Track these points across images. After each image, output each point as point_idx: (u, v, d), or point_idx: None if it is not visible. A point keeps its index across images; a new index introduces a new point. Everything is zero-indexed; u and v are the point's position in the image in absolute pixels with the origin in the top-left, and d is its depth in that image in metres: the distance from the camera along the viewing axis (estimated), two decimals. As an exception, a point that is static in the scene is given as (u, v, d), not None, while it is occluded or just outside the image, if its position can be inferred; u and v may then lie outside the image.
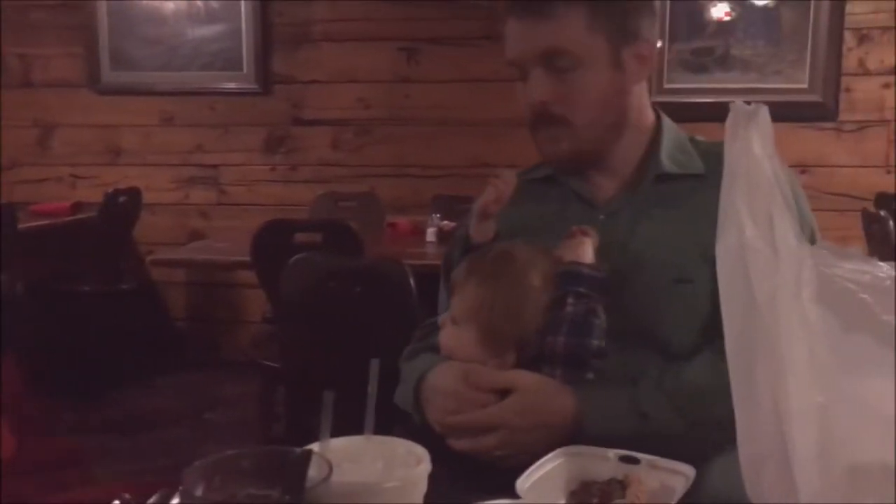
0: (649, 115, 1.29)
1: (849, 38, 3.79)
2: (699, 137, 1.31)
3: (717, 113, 3.71)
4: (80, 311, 4.00)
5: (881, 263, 0.81)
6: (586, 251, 1.16)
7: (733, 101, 0.83)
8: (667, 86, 3.89)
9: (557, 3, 1.17)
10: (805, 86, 3.80)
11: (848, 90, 3.81)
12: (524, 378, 1.12)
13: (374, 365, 0.77)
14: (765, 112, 0.82)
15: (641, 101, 1.27)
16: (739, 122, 0.83)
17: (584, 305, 1.11)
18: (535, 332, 1.12)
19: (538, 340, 1.12)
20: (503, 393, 1.12)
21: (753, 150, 0.81)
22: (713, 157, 1.22)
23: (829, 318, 0.79)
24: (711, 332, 1.16)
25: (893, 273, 0.80)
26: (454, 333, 1.15)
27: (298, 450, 0.66)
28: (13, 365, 1.02)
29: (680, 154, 1.26)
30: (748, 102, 0.84)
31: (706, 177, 1.22)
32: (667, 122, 1.30)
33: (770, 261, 0.80)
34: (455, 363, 1.16)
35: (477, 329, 1.12)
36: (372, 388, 0.77)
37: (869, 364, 0.79)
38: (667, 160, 1.24)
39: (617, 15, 1.19)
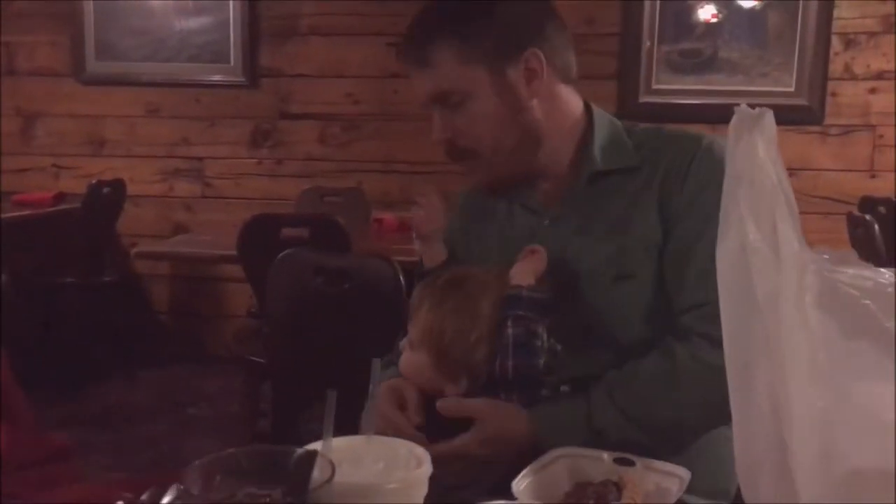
0: (573, 114, 1.27)
1: (836, 43, 3.82)
2: (638, 126, 1.29)
3: (705, 114, 3.78)
4: (61, 304, 3.96)
5: (883, 270, 0.81)
6: (528, 272, 1.17)
7: (738, 105, 0.83)
8: (655, 86, 3.90)
9: (427, 49, 1.19)
10: (792, 89, 3.83)
11: (834, 94, 3.84)
12: (484, 407, 1.12)
13: (376, 365, 0.77)
14: (769, 116, 0.82)
15: (556, 105, 1.25)
16: (744, 126, 0.82)
17: (524, 327, 1.12)
18: (486, 357, 1.13)
19: (490, 365, 1.13)
20: (464, 421, 1.12)
21: (758, 153, 0.81)
22: (648, 144, 1.24)
23: (831, 324, 0.78)
24: (658, 322, 1.19)
25: (895, 280, 0.80)
26: (410, 358, 1.16)
27: (303, 450, 0.66)
28: (2, 359, 1.00)
29: (613, 147, 1.25)
30: (752, 106, 0.84)
31: (641, 168, 1.22)
32: (598, 116, 1.29)
33: (772, 265, 0.79)
34: (391, 386, 1.17)
35: (429, 354, 1.13)
36: (374, 388, 0.76)
37: (870, 370, 0.78)
38: (599, 157, 1.24)
39: (489, 41, 1.19)
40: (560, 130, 1.26)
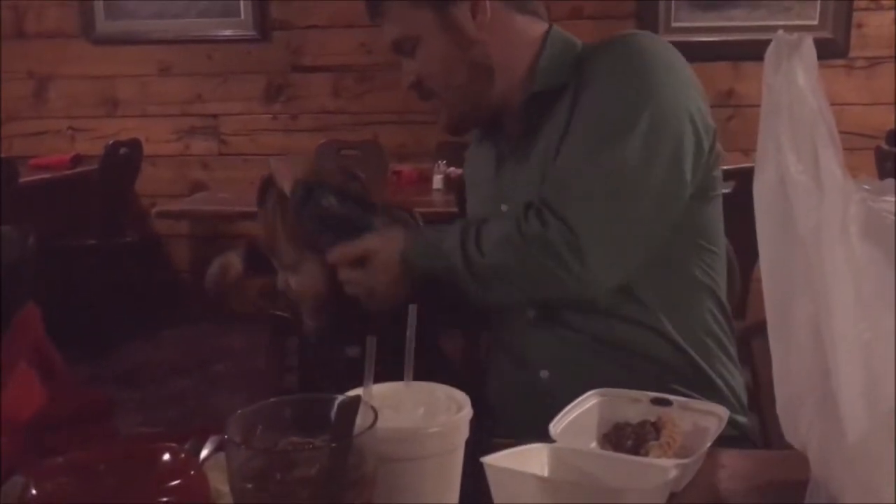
0: (531, 44, 1.27)
1: (860, -28, 3.72)
2: (595, 42, 1.27)
3: (726, 51, 3.69)
4: (83, 266, 3.98)
5: (928, 198, 0.78)
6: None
7: (778, 31, 0.80)
8: (674, 24, 3.82)
9: (379, 3, 1.24)
10: (815, 22, 3.74)
11: (859, 26, 3.75)
12: (371, 239, 1.25)
13: (412, 311, 0.76)
14: (809, 43, 0.79)
15: (509, 37, 1.26)
16: (782, 54, 0.79)
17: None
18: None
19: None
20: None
21: (797, 81, 0.78)
22: (592, 58, 1.22)
23: (877, 255, 0.76)
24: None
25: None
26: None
27: (345, 397, 0.65)
28: (36, 318, 1.01)
29: (553, 69, 1.25)
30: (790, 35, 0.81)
31: (578, 84, 1.21)
32: (552, 38, 1.27)
33: (814, 196, 0.77)
34: None
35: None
36: (410, 333, 0.75)
37: (916, 300, 0.77)
38: (541, 78, 1.24)
39: None
40: (513, 59, 1.27)
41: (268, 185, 1.45)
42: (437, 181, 3.28)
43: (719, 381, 1.25)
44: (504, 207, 1.27)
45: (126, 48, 4.24)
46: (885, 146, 3.04)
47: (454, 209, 2.55)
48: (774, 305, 0.84)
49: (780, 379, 0.84)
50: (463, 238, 1.19)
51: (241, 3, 4.11)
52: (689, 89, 1.18)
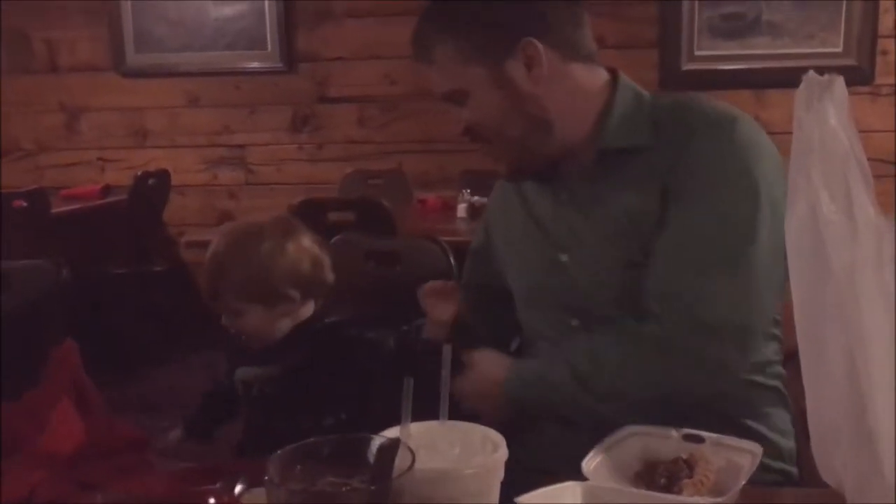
0: (591, 91, 1.23)
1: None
2: (665, 99, 1.24)
3: (749, 80, 3.70)
4: (112, 294, 4.02)
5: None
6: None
7: (808, 71, 0.80)
8: (697, 53, 3.83)
9: (427, 49, 1.20)
10: (839, 49, 3.73)
11: (884, 53, 3.74)
12: (476, 354, 1.23)
13: (447, 351, 0.76)
14: (840, 82, 0.79)
15: (567, 86, 1.21)
16: (813, 93, 0.80)
17: None
18: None
19: None
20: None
21: (829, 121, 0.79)
22: (667, 122, 1.19)
23: (911, 292, 0.77)
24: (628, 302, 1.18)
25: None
26: None
27: (384, 438, 0.66)
28: (74, 353, 1.03)
29: (629, 123, 1.20)
30: (821, 73, 0.82)
31: (654, 146, 1.18)
32: (622, 88, 1.23)
33: (848, 234, 0.78)
34: None
35: None
36: (445, 373, 0.76)
37: (951, 338, 0.77)
38: (613, 133, 1.20)
39: (482, 37, 1.17)
40: (574, 110, 1.22)
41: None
42: (462, 210, 3.29)
43: (772, 431, 1.23)
44: (564, 258, 1.23)
45: (155, 80, 4.31)
46: (912, 174, 3.02)
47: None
48: (807, 341, 0.84)
49: (814, 415, 0.84)
50: (575, 369, 1.15)
51: (268, 36, 4.18)
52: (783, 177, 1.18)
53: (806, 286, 0.84)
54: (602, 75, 1.25)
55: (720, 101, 1.22)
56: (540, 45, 1.17)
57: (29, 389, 1.04)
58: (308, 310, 1.49)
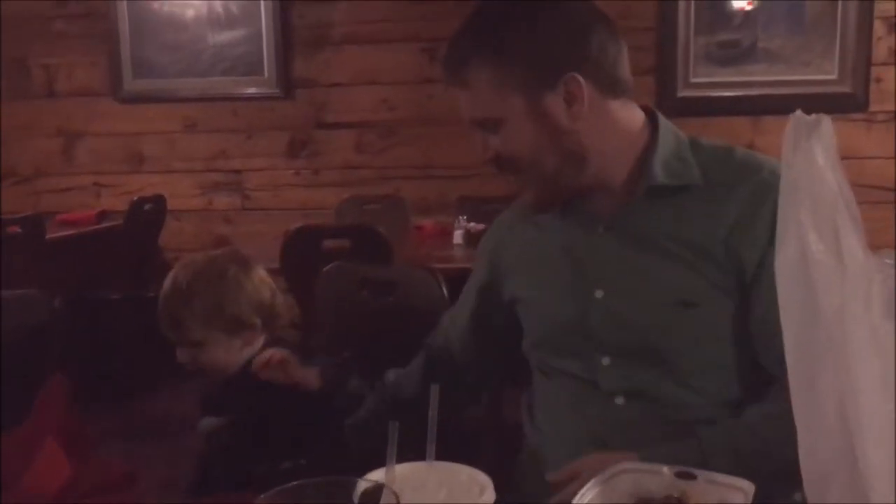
0: (629, 129, 1.21)
1: (878, 27, 3.73)
2: (703, 140, 1.23)
3: (745, 106, 3.72)
4: (107, 319, 4.01)
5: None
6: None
7: (795, 113, 0.80)
8: (693, 80, 3.85)
9: (462, 70, 1.15)
10: (834, 76, 3.75)
11: (878, 80, 3.76)
12: (587, 460, 1.09)
13: (435, 391, 0.76)
14: (827, 122, 0.79)
15: (605, 123, 1.18)
16: (801, 133, 0.80)
17: None
18: None
19: None
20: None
21: (817, 161, 0.79)
22: (714, 164, 1.18)
23: (901, 334, 0.76)
24: (721, 350, 1.14)
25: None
26: None
27: (369, 482, 0.65)
28: (64, 389, 1.02)
29: (676, 162, 1.18)
30: (808, 112, 0.82)
31: (705, 189, 1.16)
32: (664, 128, 1.22)
33: (837, 276, 0.77)
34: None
35: None
36: (433, 413, 0.75)
37: (942, 380, 0.76)
38: (660, 171, 1.17)
39: (525, 67, 1.13)
40: (611, 147, 1.19)
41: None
42: (458, 236, 3.29)
43: None
44: (599, 294, 1.19)
45: (152, 106, 4.33)
46: (907, 201, 3.03)
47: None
48: (799, 381, 0.83)
49: (806, 457, 0.83)
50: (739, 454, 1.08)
51: (266, 62, 4.20)
52: None
53: (797, 326, 0.83)
54: (639, 113, 1.22)
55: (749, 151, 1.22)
56: (582, 81, 1.14)
57: (17, 424, 1.03)
58: (260, 342, 1.51)
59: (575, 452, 1.17)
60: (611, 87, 1.18)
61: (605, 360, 1.19)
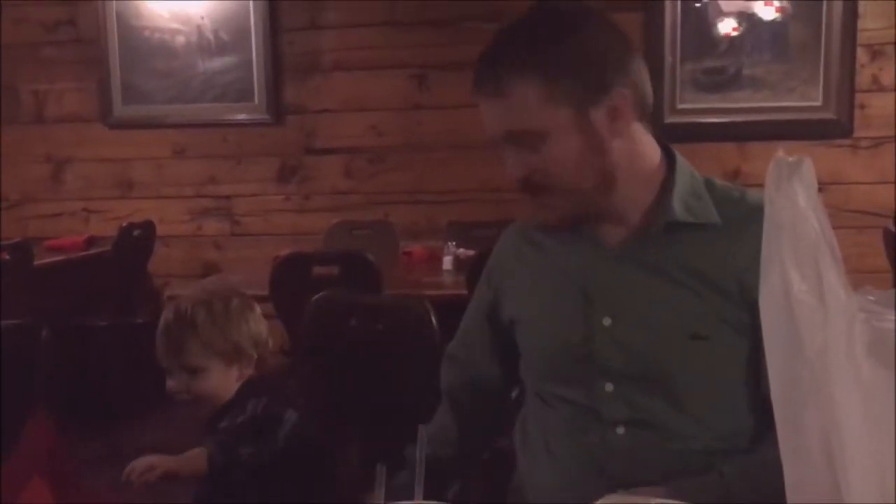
0: (653, 159, 1.21)
1: (861, 54, 3.78)
2: (716, 181, 1.24)
3: (731, 132, 3.75)
4: (96, 346, 3.99)
5: (931, 315, 0.79)
6: None
7: (777, 154, 0.81)
8: (679, 106, 3.88)
9: (505, 81, 1.11)
10: (819, 103, 3.79)
11: (862, 106, 3.80)
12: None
13: (422, 432, 0.76)
14: (808, 164, 0.80)
15: (633, 147, 1.18)
16: (783, 174, 0.81)
17: None
18: None
19: None
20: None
21: (798, 202, 0.80)
22: (729, 204, 1.18)
23: (882, 373, 0.77)
24: (728, 388, 1.14)
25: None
26: None
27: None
28: (48, 425, 1.01)
29: (694, 200, 1.18)
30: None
31: (721, 228, 1.16)
32: (681, 164, 1.22)
33: (819, 316, 0.78)
34: None
35: None
36: (420, 454, 0.75)
37: (925, 419, 0.77)
38: (679, 207, 1.17)
39: (576, 80, 1.12)
40: (636, 173, 1.19)
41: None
42: (447, 262, 3.30)
43: None
44: (607, 321, 1.18)
45: (142, 131, 4.33)
46: (892, 228, 3.05)
47: (463, 291, 2.56)
48: (784, 418, 0.83)
49: (792, 493, 0.83)
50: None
51: (256, 88, 4.21)
52: None
53: (781, 363, 0.84)
54: (655, 143, 1.23)
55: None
56: (629, 96, 1.14)
57: (2, 460, 1.03)
58: (249, 372, 1.57)
59: (571, 480, 1.18)
60: (642, 109, 1.18)
61: (609, 387, 1.18)
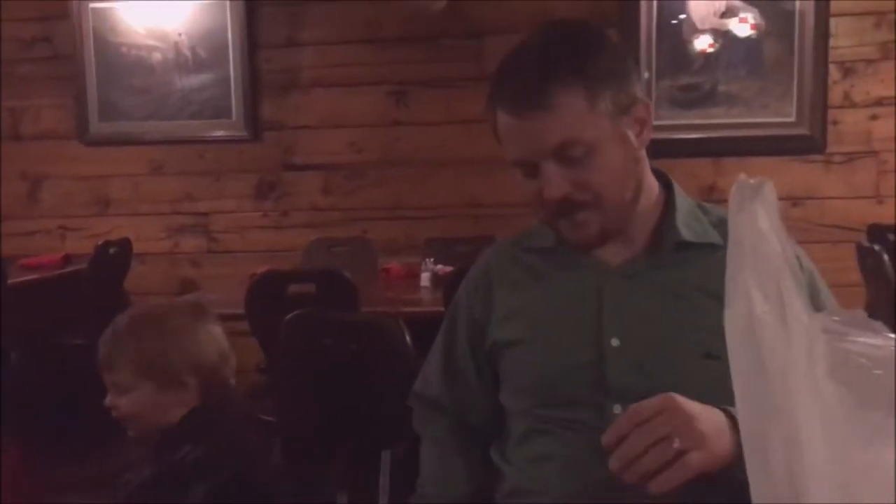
0: (654, 179, 1.24)
1: (834, 71, 3.83)
2: (707, 204, 1.26)
3: (707, 148, 3.78)
4: (72, 365, 3.94)
5: (891, 335, 0.80)
6: None
7: (740, 176, 0.82)
8: (656, 122, 3.86)
9: (554, 93, 1.10)
10: (792, 119, 3.83)
11: (835, 122, 3.85)
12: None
13: (386, 457, 0.75)
14: (769, 186, 0.81)
15: (646, 164, 1.22)
16: (745, 196, 0.82)
17: None
18: None
19: None
20: None
21: (759, 224, 0.81)
22: (722, 226, 1.16)
23: (844, 394, 0.77)
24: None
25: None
26: None
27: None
28: (14, 448, 1.00)
29: (694, 221, 1.22)
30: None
31: (723, 248, 1.18)
32: (677, 187, 1.25)
33: (781, 336, 0.79)
34: None
35: None
36: (384, 482, 0.75)
37: (886, 438, 0.77)
38: (683, 228, 1.20)
39: (613, 90, 1.14)
40: (649, 192, 1.22)
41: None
42: (425, 279, 3.29)
43: None
44: (616, 342, 1.17)
45: (119, 148, 4.30)
46: (864, 242, 3.08)
47: (441, 308, 2.56)
48: (750, 437, 0.84)
49: (759, 508, 0.84)
50: None
51: (234, 105, 4.20)
52: None
53: (746, 383, 0.84)
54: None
55: None
56: (652, 108, 1.18)
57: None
58: (193, 403, 1.44)
59: (580, 490, 1.14)
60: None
61: (617, 409, 1.15)
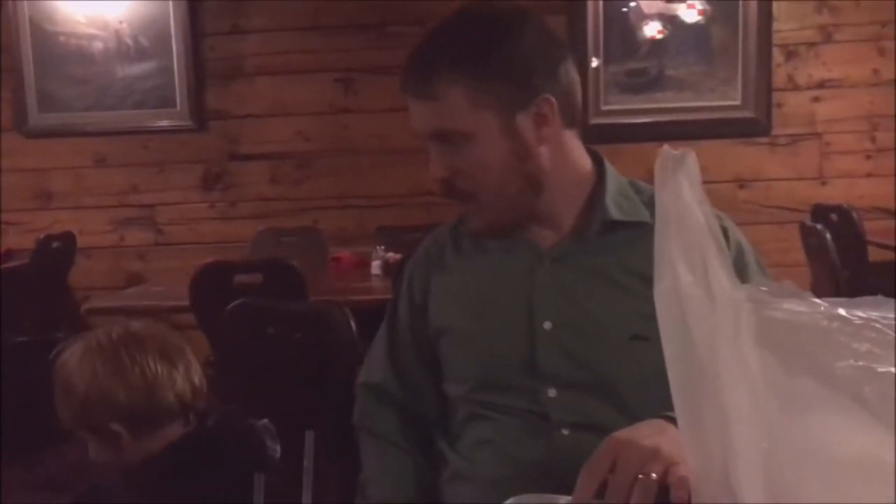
0: (583, 165, 1.22)
1: (777, 55, 3.88)
2: (640, 183, 1.25)
3: (655, 133, 3.81)
4: (14, 364, 3.85)
5: (818, 301, 0.80)
6: None
7: (663, 146, 0.82)
8: (603, 108, 3.93)
9: (434, 82, 1.12)
10: (738, 102, 3.88)
11: (779, 105, 3.90)
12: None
13: (309, 438, 0.73)
14: (692, 157, 0.81)
15: (561, 152, 1.19)
16: (668, 168, 0.81)
17: None
18: None
19: None
20: None
21: (683, 195, 0.80)
22: (651, 202, 1.17)
23: (770, 362, 0.77)
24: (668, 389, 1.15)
25: (830, 311, 0.79)
26: None
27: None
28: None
29: (624, 200, 1.20)
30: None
31: (652, 226, 1.18)
32: (609, 167, 1.24)
33: (706, 306, 0.78)
34: None
35: None
36: (308, 462, 0.73)
37: (811, 406, 0.77)
38: (613, 207, 1.19)
39: (503, 85, 1.13)
40: (566, 178, 1.20)
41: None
42: (376, 267, 3.27)
43: None
44: (548, 325, 1.17)
45: (60, 140, 4.21)
46: (808, 222, 3.13)
47: (391, 295, 2.54)
48: (683, 412, 0.83)
49: (697, 485, 0.83)
50: None
51: (178, 94, 4.13)
52: None
53: (676, 357, 0.84)
54: (584, 150, 1.23)
55: None
56: (555, 103, 1.14)
57: None
58: (175, 429, 1.30)
59: (515, 475, 1.14)
60: (571, 116, 1.18)
61: (552, 393, 1.16)
